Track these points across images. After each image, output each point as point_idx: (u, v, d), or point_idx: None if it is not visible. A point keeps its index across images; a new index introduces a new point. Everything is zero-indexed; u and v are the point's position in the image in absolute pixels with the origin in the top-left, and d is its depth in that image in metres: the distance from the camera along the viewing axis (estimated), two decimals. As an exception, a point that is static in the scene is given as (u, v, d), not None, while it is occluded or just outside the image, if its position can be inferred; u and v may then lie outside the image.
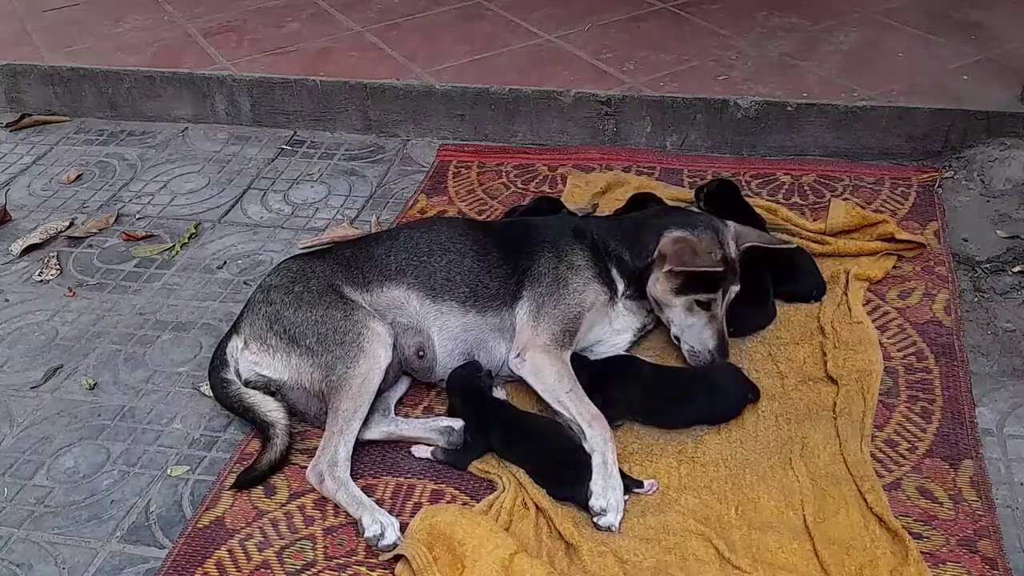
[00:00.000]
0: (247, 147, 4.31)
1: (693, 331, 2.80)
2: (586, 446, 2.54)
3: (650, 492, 2.50)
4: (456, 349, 2.80)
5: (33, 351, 3.19)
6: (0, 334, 3.27)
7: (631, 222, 3.02)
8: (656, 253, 2.80)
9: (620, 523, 2.41)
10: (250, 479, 2.61)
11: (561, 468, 2.53)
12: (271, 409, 2.71)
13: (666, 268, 2.76)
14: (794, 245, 2.95)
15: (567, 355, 2.73)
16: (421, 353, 2.80)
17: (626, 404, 2.69)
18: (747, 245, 2.87)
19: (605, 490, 2.44)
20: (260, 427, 2.71)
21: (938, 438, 2.60)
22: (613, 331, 2.89)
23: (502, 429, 2.62)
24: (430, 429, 2.68)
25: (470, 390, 2.70)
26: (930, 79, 3.93)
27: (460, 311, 2.80)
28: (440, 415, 2.80)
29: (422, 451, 2.65)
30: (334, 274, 2.85)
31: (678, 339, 2.85)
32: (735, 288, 2.82)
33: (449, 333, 2.80)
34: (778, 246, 2.93)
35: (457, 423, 2.67)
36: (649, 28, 4.53)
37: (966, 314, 3.03)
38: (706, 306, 2.77)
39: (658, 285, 2.81)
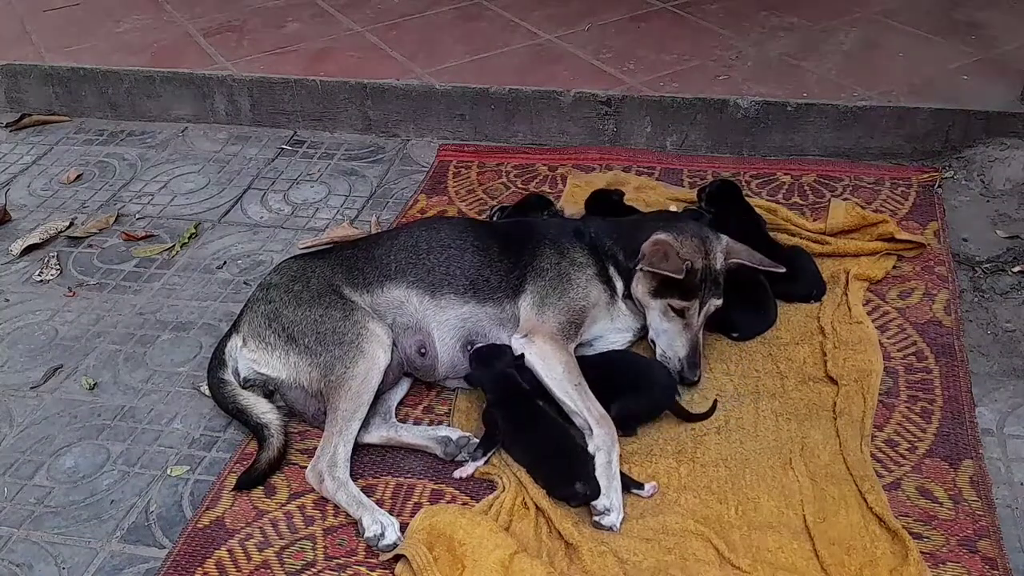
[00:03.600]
0: (247, 147, 4.31)
1: (666, 337, 2.80)
2: (590, 444, 2.54)
3: (650, 494, 2.49)
4: (456, 342, 2.80)
5: (33, 351, 3.19)
6: (0, 334, 3.27)
7: (629, 224, 3.03)
8: (640, 253, 2.80)
9: (620, 523, 2.41)
10: (251, 479, 2.61)
11: (561, 464, 2.52)
12: (264, 411, 2.71)
13: (639, 267, 2.77)
14: (783, 270, 2.90)
15: (572, 347, 2.74)
16: (423, 350, 2.80)
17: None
18: (735, 262, 2.83)
19: (608, 490, 2.44)
20: (253, 429, 2.70)
21: (938, 438, 2.60)
22: (615, 328, 2.90)
23: (516, 415, 2.63)
24: (428, 438, 2.68)
25: (502, 373, 2.70)
26: (930, 79, 3.93)
27: (459, 302, 2.81)
28: (440, 418, 2.80)
29: (466, 471, 2.60)
30: (334, 274, 2.86)
31: (654, 343, 2.84)
32: (716, 301, 2.79)
33: (448, 326, 2.81)
34: (768, 268, 2.88)
35: (455, 433, 2.67)
36: (649, 28, 4.53)
37: (966, 314, 3.03)
38: (680, 313, 2.76)
39: (639, 285, 2.82)
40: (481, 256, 2.86)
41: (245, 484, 2.61)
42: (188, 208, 3.91)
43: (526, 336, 2.73)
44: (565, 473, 2.49)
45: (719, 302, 2.80)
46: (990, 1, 4.48)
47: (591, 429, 2.56)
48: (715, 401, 2.72)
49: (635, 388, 2.69)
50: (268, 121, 4.41)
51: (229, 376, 2.80)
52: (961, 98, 3.78)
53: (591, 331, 2.84)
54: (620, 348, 2.92)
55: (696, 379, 2.76)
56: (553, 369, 2.66)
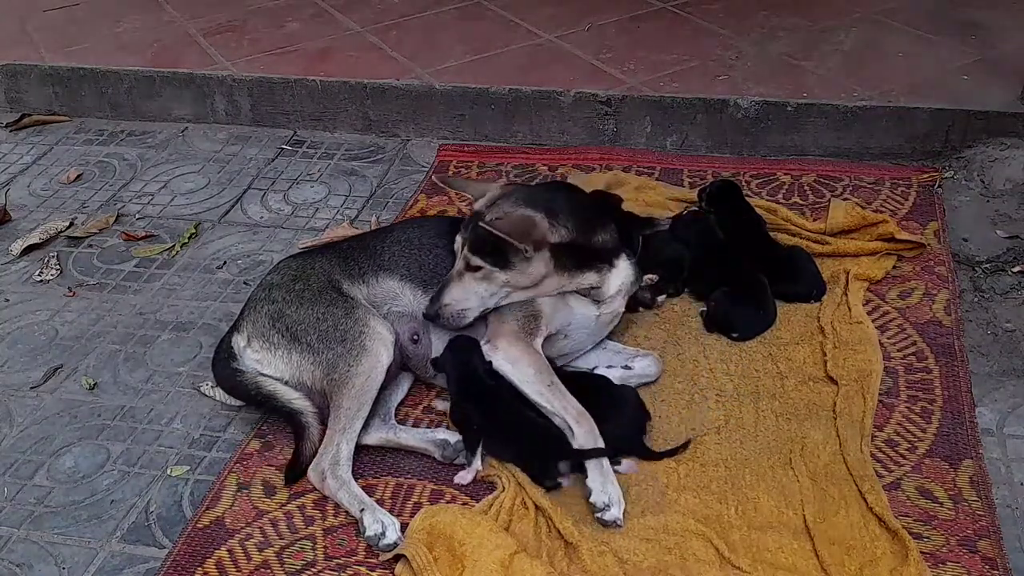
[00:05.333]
0: (247, 147, 4.31)
1: None
2: (574, 444, 2.53)
3: (627, 471, 2.52)
4: (449, 334, 2.80)
5: (33, 351, 3.19)
6: (0, 334, 3.27)
7: None
8: None
9: (624, 517, 2.40)
10: (295, 475, 2.61)
11: (542, 449, 2.54)
12: (294, 397, 2.69)
13: None
14: None
15: (538, 342, 2.71)
16: (415, 338, 2.81)
17: None
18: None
19: (604, 485, 2.44)
20: (286, 416, 2.69)
21: (938, 438, 2.60)
22: (578, 322, 2.82)
23: (487, 406, 2.63)
24: (427, 440, 2.67)
25: (465, 362, 2.70)
26: (930, 79, 3.93)
27: None
28: (440, 418, 2.80)
29: (466, 478, 2.59)
30: (332, 268, 2.87)
31: None
32: (468, 252, 2.70)
33: None
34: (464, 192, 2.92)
35: (453, 436, 2.66)
36: (649, 28, 4.53)
37: (966, 314, 3.03)
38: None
39: None
40: None
41: (292, 479, 2.61)
42: (188, 208, 3.91)
43: (489, 342, 2.71)
44: (543, 458, 2.51)
45: (469, 255, 2.69)
46: (990, 1, 4.48)
47: (571, 429, 2.54)
48: (688, 440, 2.62)
49: (605, 419, 2.60)
50: (268, 121, 4.41)
51: (242, 366, 2.78)
52: (961, 98, 3.78)
53: (555, 321, 2.78)
54: (595, 335, 2.89)
55: (428, 312, 2.72)
56: (523, 372, 2.64)
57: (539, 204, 2.70)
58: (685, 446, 2.60)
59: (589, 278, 2.77)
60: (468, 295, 2.69)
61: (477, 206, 2.78)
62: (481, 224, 2.63)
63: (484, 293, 2.70)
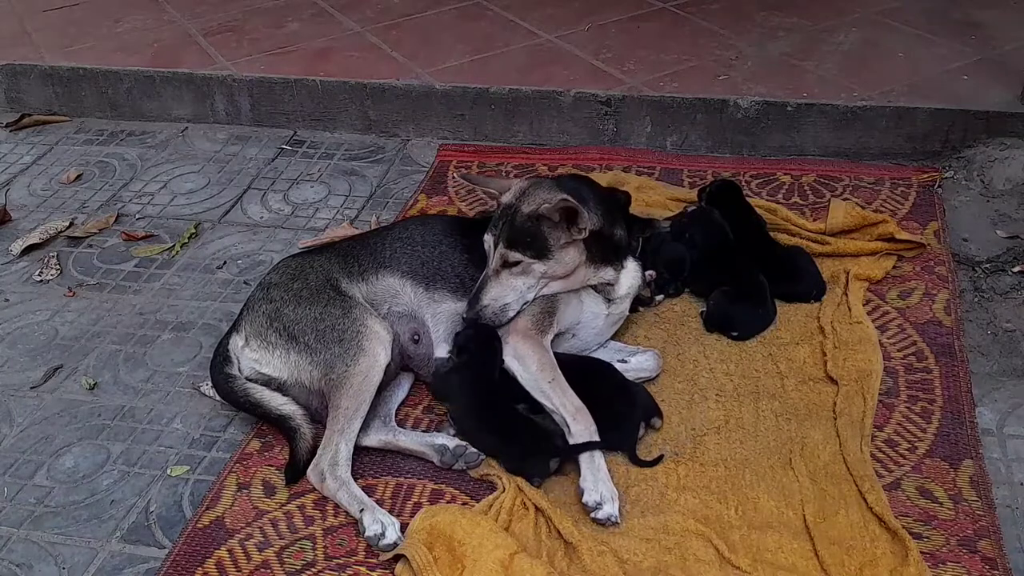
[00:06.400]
0: (247, 147, 4.31)
1: None
2: (570, 440, 2.54)
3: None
4: (450, 334, 2.82)
5: (33, 351, 3.19)
6: (0, 334, 3.27)
7: None
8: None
9: (619, 511, 2.41)
10: (296, 473, 2.61)
11: (532, 445, 2.55)
12: (281, 403, 2.70)
13: None
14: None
15: (548, 339, 2.73)
16: (416, 337, 2.82)
17: None
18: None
19: (596, 483, 2.44)
20: (275, 422, 2.70)
21: (938, 438, 2.60)
22: (588, 320, 2.86)
23: (488, 395, 2.65)
24: (426, 444, 2.67)
25: (488, 359, 2.70)
26: (930, 79, 3.93)
27: (452, 299, 2.83)
28: (440, 418, 2.80)
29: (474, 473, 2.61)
30: (331, 267, 2.87)
31: None
32: (503, 249, 2.69)
33: (442, 318, 2.83)
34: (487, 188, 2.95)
35: (452, 442, 2.65)
36: (649, 28, 4.53)
37: (966, 314, 3.03)
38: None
39: None
40: (468, 253, 2.87)
41: (292, 479, 2.61)
42: (188, 208, 3.91)
43: (500, 338, 2.72)
44: (539, 454, 2.53)
45: (505, 251, 2.70)
46: (990, 1, 4.48)
47: (568, 425, 2.55)
48: (661, 455, 2.59)
49: (605, 408, 2.61)
50: (268, 121, 4.41)
51: (236, 371, 2.79)
52: (961, 98, 3.78)
53: (566, 319, 2.80)
54: (605, 332, 2.90)
55: (468, 315, 2.72)
56: (527, 369, 2.65)
57: (571, 192, 2.74)
58: (659, 460, 2.58)
59: (608, 273, 2.83)
60: (506, 291, 2.72)
61: (505, 199, 2.78)
62: (546, 207, 2.64)
63: (523, 287, 2.72)
